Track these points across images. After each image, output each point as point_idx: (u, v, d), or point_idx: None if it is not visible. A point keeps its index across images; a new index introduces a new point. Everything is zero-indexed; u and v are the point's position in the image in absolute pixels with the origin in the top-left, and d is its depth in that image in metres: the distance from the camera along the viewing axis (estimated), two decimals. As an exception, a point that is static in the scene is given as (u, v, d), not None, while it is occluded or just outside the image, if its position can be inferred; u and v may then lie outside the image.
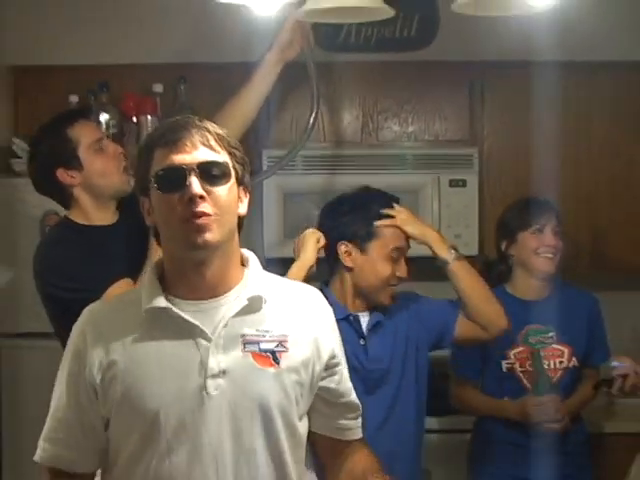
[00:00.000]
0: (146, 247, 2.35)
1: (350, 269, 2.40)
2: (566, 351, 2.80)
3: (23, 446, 3.20)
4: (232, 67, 3.36)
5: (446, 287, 2.50)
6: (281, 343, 1.60)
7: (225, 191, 1.55)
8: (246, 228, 4.05)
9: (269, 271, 1.74)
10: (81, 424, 1.61)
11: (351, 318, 2.39)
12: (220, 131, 1.60)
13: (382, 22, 2.97)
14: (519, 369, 2.79)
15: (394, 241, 2.39)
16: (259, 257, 3.54)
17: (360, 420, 1.81)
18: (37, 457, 1.65)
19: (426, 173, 3.43)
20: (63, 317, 2.09)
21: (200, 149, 1.55)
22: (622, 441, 3.17)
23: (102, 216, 2.43)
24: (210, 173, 1.54)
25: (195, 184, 1.51)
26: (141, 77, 3.43)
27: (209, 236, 1.52)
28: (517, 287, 2.88)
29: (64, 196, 2.42)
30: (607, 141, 3.50)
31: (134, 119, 3.35)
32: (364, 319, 2.42)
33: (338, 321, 1.79)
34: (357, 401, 1.79)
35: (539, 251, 2.80)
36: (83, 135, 2.37)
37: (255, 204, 3.45)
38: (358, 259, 2.39)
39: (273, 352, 1.59)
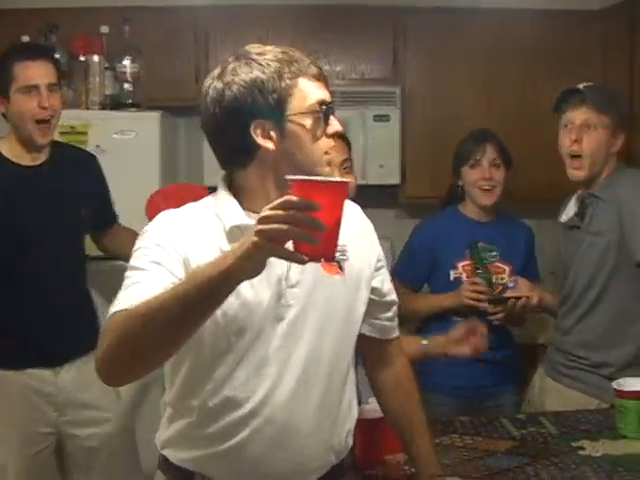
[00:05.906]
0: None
1: None
2: (507, 269, 2.93)
3: None
4: (172, 10, 3.63)
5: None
6: (343, 252, 1.62)
7: None
8: (189, 159, 4.29)
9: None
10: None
11: None
12: None
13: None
14: (465, 279, 2.90)
15: None
16: (200, 184, 3.78)
17: (397, 319, 1.88)
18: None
19: (353, 109, 3.69)
20: None
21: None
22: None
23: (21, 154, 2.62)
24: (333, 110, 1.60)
25: (336, 121, 1.58)
26: (88, 19, 3.53)
27: None
28: (467, 209, 3.01)
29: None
30: (514, 80, 3.73)
31: (82, 58, 3.44)
32: None
33: None
34: (396, 299, 1.86)
35: (477, 184, 2.92)
36: (22, 75, 2.54)
37: (198, 137, 3.64)
38: None
39: (338, 261, 1.60)
